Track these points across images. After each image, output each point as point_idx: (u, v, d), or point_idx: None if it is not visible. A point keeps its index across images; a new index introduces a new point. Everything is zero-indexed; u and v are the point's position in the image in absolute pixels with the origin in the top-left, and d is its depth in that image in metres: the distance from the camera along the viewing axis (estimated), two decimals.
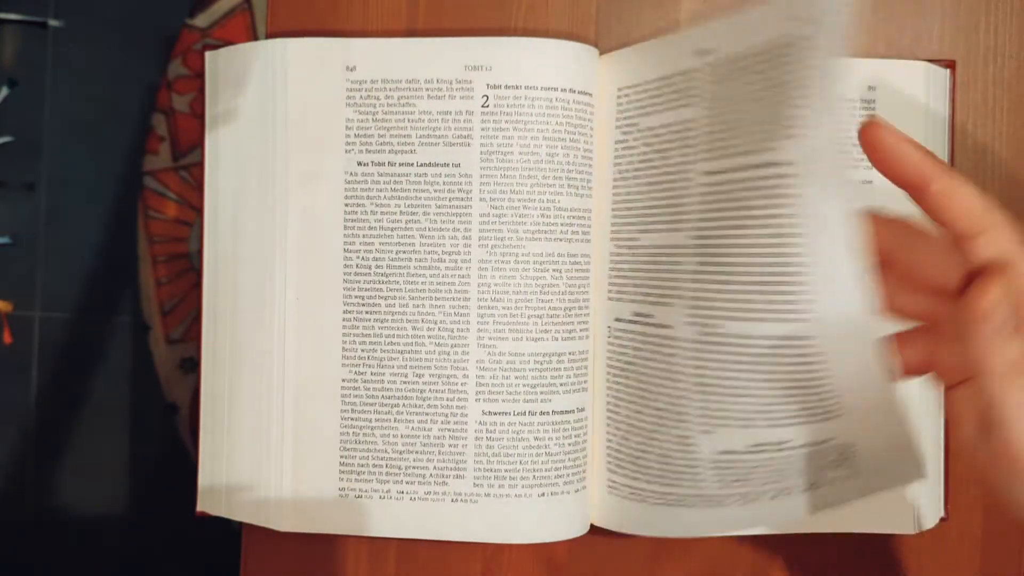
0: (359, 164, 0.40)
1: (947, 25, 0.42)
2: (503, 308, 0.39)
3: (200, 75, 0.42)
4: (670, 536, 0.40)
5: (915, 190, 0.28)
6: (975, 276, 0.27)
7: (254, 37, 1.11)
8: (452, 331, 0.40)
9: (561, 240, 0.39)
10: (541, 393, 0.39)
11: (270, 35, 0.42)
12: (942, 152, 0.41)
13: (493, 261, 0.39)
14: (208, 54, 0.42)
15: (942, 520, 0.41)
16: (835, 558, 0.42)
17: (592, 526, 0.41)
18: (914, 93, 0.40)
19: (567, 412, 0.40)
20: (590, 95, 0.40)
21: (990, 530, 0.42)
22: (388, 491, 0.40)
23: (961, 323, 0.27)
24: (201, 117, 0.42)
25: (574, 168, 0.40)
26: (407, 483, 0.40)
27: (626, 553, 0.42)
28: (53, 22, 1.13)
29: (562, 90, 0.39)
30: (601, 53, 0.41)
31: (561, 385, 0.40)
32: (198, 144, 1.10)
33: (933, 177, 0.28)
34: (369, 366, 0.40)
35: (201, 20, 1.12)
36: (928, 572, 0.42)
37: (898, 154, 0.28)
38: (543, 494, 0.40)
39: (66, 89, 1.13)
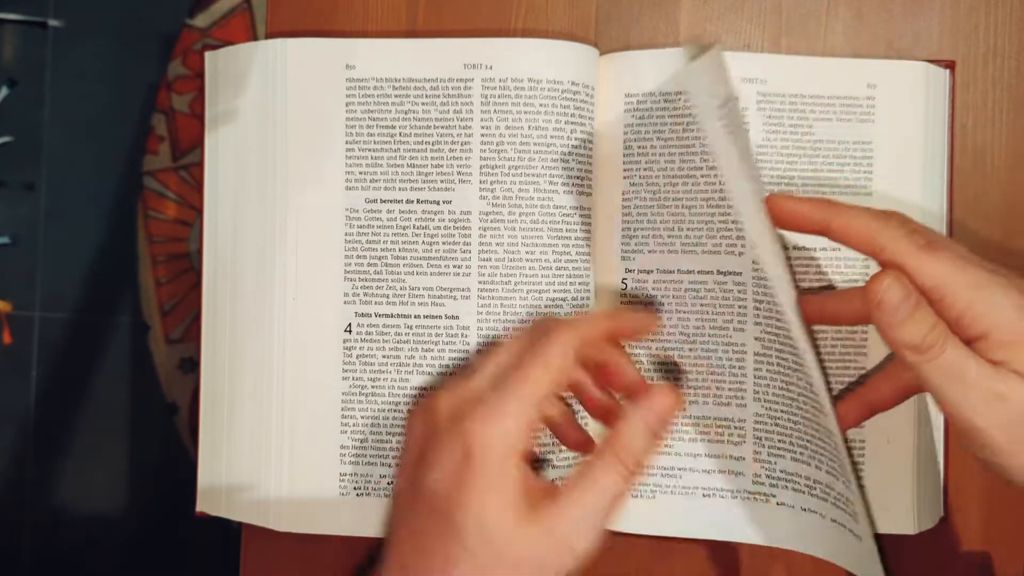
0: (358, 162, 0.40)
1: (947, 25, 0.42)
2: (504, 306, 0.39)
3: (200, 75, 0.42)
4: (672, 535, 0.41)
5: (823, 233, 0.33)
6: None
7: (254, 37, 1.11)
8: (452, 328, 0.40)
9: (559, 238, 0.39)
10: None
11: (270, 35, 0.42)
12: (941, 152, 0.41)
13: (492, 260, 0.39)
14: (208, 54, 0.42)
15: (942, 520, 0.41)
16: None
17: None
18: (914, 93, 0.40)
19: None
20: (591, 93, 0.40)
21: (990, 530, 0.42)
22: (388, 490, 0.40)
23: (872, 315, 0.31)
24: (201, 117, 0.42)
25: (573, 164, 0.40)
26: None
27: (626, 553, 0.42)
28: (53, 22, 1.13)
29: (563, 87, 0.39)
30: (601, 54, 0.41)
31: None
32: (198, 144, 1.10)
33: (829, 219, 0.33)
34: (369, 365, 0.40)
35: (201, 20, 1.12)
36: (928, 572, 0.42)
37: (797, 211, 0.34)
38: None
39: (66, 89, 1.13)
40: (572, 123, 0.39)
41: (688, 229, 0.40)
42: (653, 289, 0.40)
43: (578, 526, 0.31)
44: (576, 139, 0.39)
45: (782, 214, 0.34)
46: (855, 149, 0.40)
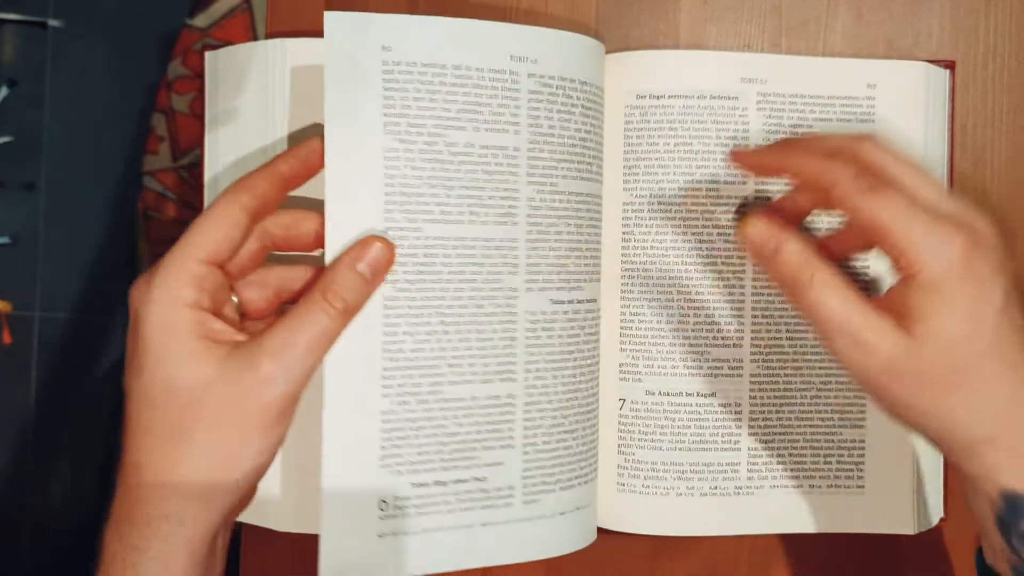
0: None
1: (947, 25, 0.42)
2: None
3: (200, 75, 0.42)
4: (676, 534, 0.40)
5: (784, 176, 0.36)
6: None
7: (254, 37, 1.11)
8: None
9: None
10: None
11: (270, 35, 0.42)
12: (941, 152, 0.41)
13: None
14: (208, 54, 0.42)
15: (942, 520, 0.41)
16: (835, 558, 0.42)
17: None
18: (914, 93, 0.40)
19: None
20: (603, 92, 0.40)
21: None
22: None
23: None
24: (201, 117, 0.42)
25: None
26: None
27: (626, 553, 0.42)
28: (53, 22, 1.13)
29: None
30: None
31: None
32: (198, 144, 1.10)
33: (783, 162, 0.34)
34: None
35: (201, 20, 1.12)
36: (928, 572, 0.42)
37: (753, 162, 0.36)
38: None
39: (66, 89, 1.13)
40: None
41: (690, 229, 0.40)
42: (656, 292, 0.40)
43: (281, 360, 0.31)
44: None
45: (746, 166, 0.37)
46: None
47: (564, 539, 0.39)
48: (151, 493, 0.31)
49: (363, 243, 0.34)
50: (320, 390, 0.40)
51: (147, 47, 1.12)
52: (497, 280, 0.36)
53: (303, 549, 0.42)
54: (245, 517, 0.41)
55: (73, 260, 1.13)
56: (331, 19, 0.34)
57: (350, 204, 0.35)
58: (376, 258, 0.33)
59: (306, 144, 0.35)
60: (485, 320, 0.36)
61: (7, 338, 1.13)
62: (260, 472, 0.32)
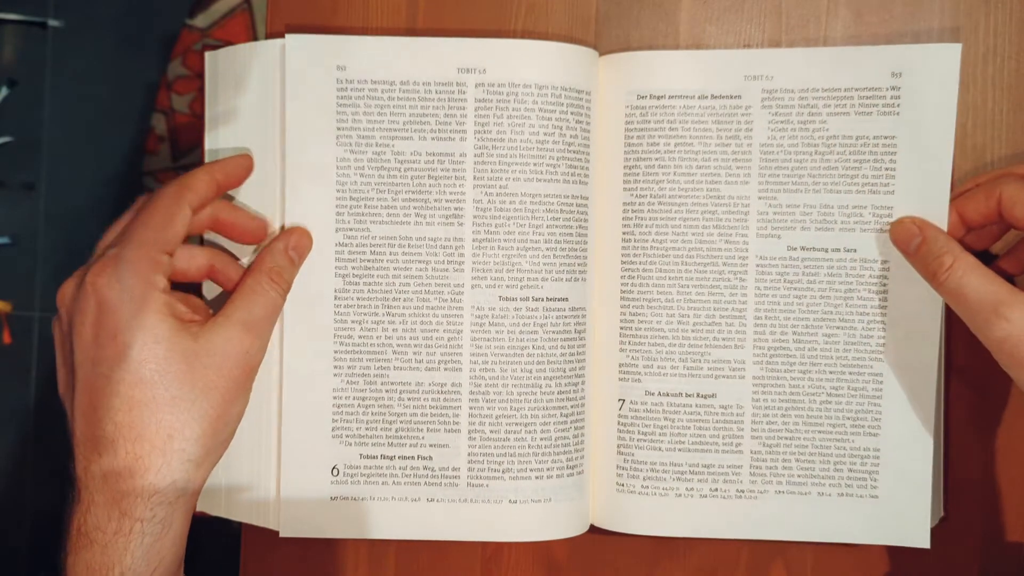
0: (350, 158, 0.40)
1: (947, 25, 0.42)
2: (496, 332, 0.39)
3: (200, 75, 0.42)
4: (675, 535, 0.40)
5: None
6: None
7: (254, 37, 1.11)
8: (445, 324, 0.40)
9: (557, 236, 0.39)
10: (533, 376, 0.39)
11: (269, 35, 0.42)
12: (946, 149, 0.41)
13: (487, 247, 0.39)
14: (208, 54, 0.42)
15: (942, 520, 0.41)
16: (833, 559, 0.42)
17: (592, 526, 0.41)
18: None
19: (562, 378, 0.40)
20: (587, 98, 0.40)
21: (990, 530, 0.42)
22: (382, 493, 0.40)
23: None
24: (201, 117, 0.42)
25: (568, 167, 0.40)
26: (403, 484, 0.40)
27: (626, 553, 0.42)
28: (53, 22, 1.13)
29: (557, 91, 0.39)
30: (601, 54, 0.41)
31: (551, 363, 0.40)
32: (198, 144, 1.10)
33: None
34: (358, 360, 0.40)
35: (201, 20, 1.12)
36: (928, 572, 0.42)
37: (973, 215, 0.38)
38: (539, 476, 0.39)
39: (66, 89, 1.13)
40: (568, 121, 0.39)
41: (690, 229, 0.40)
42: (656, 292, 0.40)
43: (252, 331, 0.35)
44: (576, 134, 0.39)
45: (969, 222, 0.38)
46: (875, 144, 0.39)
47: (517, 527, 0.40)
48: (155, 463, 0.33)
49: (287, 232, 0.39)
50: (311, 389, 0.40)
51: (147, 47, 1.12)
52: (443, 276, 0.39)
53: (302, 550, 0.42)
54: (245, 517, 0.41)
55: (73, 260, 1.13)
56: (292, 40, 0.39)
57: (305, 207, 0.39)
58: (298, 242, 0.39)
59: (238, 158, 0.39)
60: (430, 312, 0.40)
61: (7, 338, 1.13)
62: (236, 429, 0.36)
